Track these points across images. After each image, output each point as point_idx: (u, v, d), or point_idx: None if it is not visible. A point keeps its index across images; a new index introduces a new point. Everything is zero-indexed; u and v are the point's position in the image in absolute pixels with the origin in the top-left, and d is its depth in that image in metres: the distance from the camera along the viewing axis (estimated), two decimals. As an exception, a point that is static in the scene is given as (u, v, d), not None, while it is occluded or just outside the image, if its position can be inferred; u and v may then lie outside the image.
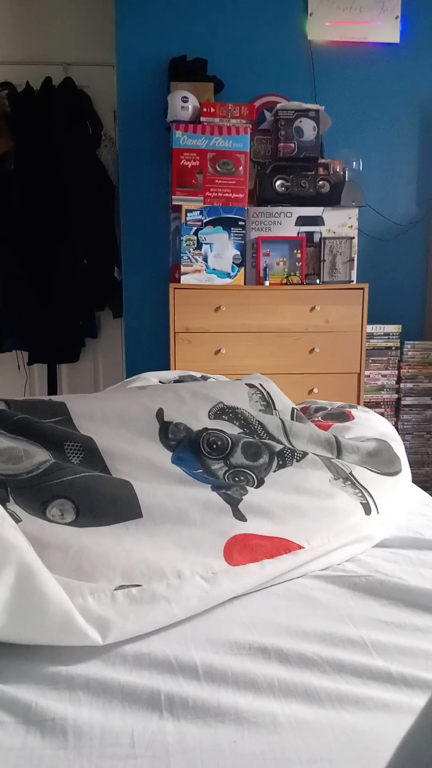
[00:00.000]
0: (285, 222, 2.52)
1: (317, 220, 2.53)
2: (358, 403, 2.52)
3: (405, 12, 2.80)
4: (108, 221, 3.02)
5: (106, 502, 0.96)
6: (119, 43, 2.73)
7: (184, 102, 2.44)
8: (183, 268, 2.42)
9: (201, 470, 1.10)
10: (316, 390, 2.51)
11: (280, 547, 0.96)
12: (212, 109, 2.45)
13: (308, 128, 2.52)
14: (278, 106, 2.55)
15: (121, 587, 0.82)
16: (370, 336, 2.71)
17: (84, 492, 0.97)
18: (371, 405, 2.73)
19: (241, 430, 1.21)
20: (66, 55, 3.03)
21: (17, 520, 0.90)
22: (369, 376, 2.73)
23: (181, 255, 2.42)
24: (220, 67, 2.72)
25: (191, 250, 2.41)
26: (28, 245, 2.92)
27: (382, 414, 2.62)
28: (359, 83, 2.85)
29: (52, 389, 3.17)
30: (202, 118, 2.44)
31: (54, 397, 1.19)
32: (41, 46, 3.04)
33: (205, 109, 2.45)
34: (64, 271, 2.94)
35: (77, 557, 0.86)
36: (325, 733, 0.63)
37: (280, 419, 1.27)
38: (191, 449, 1.13)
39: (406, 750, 0.37)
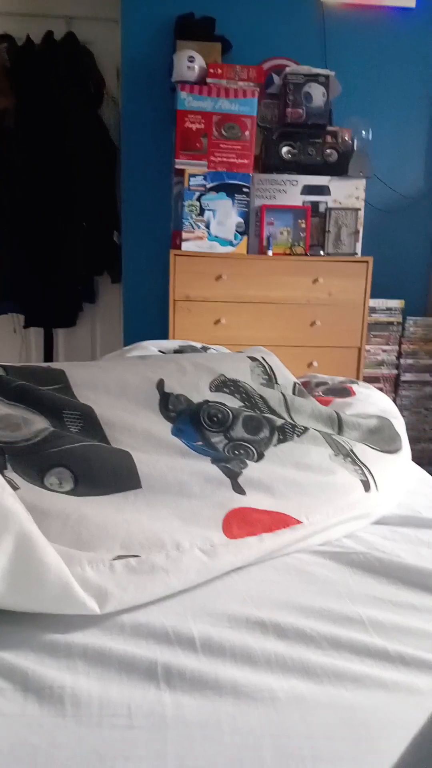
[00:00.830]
0: (290, 190, 2.47)
1: (323, 190, 2.48)
2: (358, 378, 2.51)
3: (422, -26, 2.70)
4: (109, 183, 2.95)
5: (105, 472, 0.96)
6: (125, -2, 2.63)
7: (190, 62, 2.36)
8: (184, 235, 2.38)
9: (201, 442, 1.09)
10: (315, 363, 2.49)
11: (279, 521, 0.95)
12: (219, 71, 2.37)
13: (317, 94, 2.45)
14: (287, 69, 2.48)
15: (120, 557, 0.82)
16: (372, 310, 2.69)
17: (83, 461, 0.96)
18: (370, 380, 2.72)
19: (242, 404, 1.20)
20: (69, 8, 2.91)
21: (15, 487, 0.89)
22: (369, 350, 2.71)
23: (183, 221, 2.37)
24: (229, 27, 2.63)
25: (193, 216, 2.36)
26: (27, 206, 2.86)
27: (381, 389, 2.61)
28: (372, 49, 2.76)
29: (48, 354, 3.15)
30: (209, 80, 2.37)
31: (53, 364, 1.17)
32: (43, -3, 2.92)
33: (211, 70, 2.37)
34: (63, 233, 2.88)
35: (76, 526, 0.85)
36: (323, 710, 0.63)
37: (282, 393, 1.26)
38: (191, 421, 1.12)
39: (420, 745, 0.36)
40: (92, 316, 3.21)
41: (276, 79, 2.59)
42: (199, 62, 2.38)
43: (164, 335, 2.49)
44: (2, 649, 0.70)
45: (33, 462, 0.94)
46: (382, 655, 0.71)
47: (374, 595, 0.84)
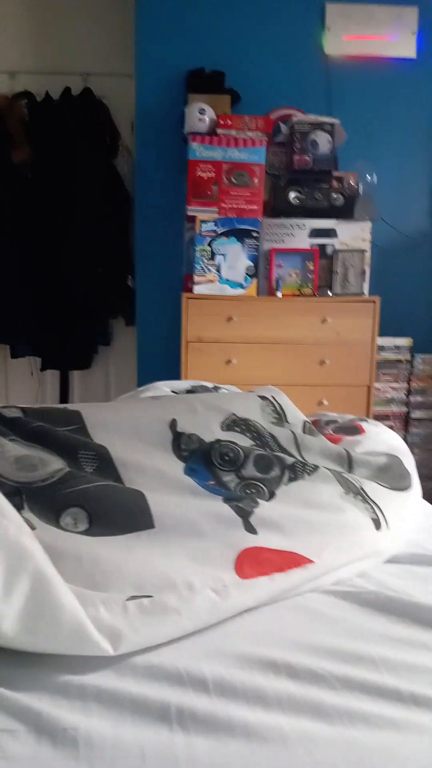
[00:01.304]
0: (298, 234, 2.53)
1: (330, 233, 2.54)
2: (368, 416, 2.52)
3: (422, 28, 2.81)
4: (122, 230, 3.04)
5: (119, 512, 0.97)
6: (138, 54, 2.76)
7: (201, 114, 2.46)
8: (196, 278, 2.44)
9: (213, 482, 1.11)
10: (325, 402, 2.51)
11: (291, 561, 0.96)
12: (229, 122, 2.47)
13: (323, 141, 2.54)
14: (294, 119, 2.57)
15: (133, 598, 0.83)
16: (381, 349, 2.71)
17: (97, 501, 0.98)
18: (380, 418, 2.72)
19: (253, 443, 1.22)
20: (85, 65, 3.06)
21: (32, 527, 0.91)
22: (379, 388, 2.73)
23: (195, 265, 2.43)
24: (238, 80, 2.75)
25: (205, 260, 2.43)
26: (43, 252, 2.95)
27: (390, 427, 2.61)
28: (375, 97, 2.86)
29: (64, 396, 3.19)
30: (219, 130, 2.47)
31: (69, 406, 1.20)
32: (61, 56, 3.08)
33: (221, 121, 2.47)
34: (78, 279, 2.96)
35: (90, 567, 0.86)
36: (334, 749, 0.63)
37: (292, 432, 1.28)
38: (203, 460, 1.13)
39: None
40: (107, 358, 3.27)
41: (283, 128, 2.69)
42: (210, 114, 2.48)
43: (177, 376, 2.53)
44: (16, 690, 0.71)
45: (49, 502, 0.96)
46: (393, 694, 0.71)
47: (386, 634, 0.84)
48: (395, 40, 2.81)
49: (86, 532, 0.94)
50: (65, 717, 0.67)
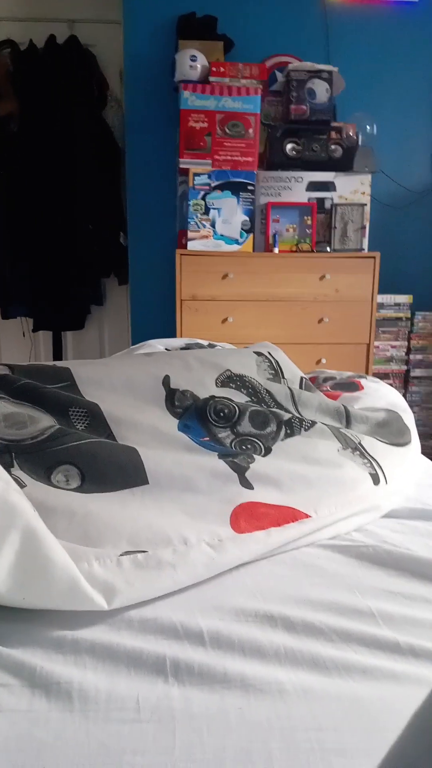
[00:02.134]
0: (295, 187, 2.46)
1: (328, 186, 2.47)
2: (367, 374, 2.49)
3: (424, -33, 2.68)
4: (114, 185, 2.96)
5: (112, 469, 0.95)
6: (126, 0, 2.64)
7: (192, 61, 2.36)
8: (190, 234, 2.38)
9: (208, 438, 1.09)
10: (324, 360, 2.48)
11: (287, 515, 0.95)
12: (222, 69, 2.37)
13: (321, 90, 2.44)
14: (290, 66, 2.47)
15: (127, 553, 0.81)
16: (381, 306, 2.67)
17: (89, 458, 0.96)
18: (380, 376, 2.70)
19: (249, 399, 1.19)
20: (71, 12, 2.93)
21: (22, 485, 0.89)
22: (378, 347, 2.70)
23: (189, 220, 2.37)
24: (231, 26, 2.63)
25: (199, 215, 2.36)
26: (33, 210, 2.87)
27: (390, 385, 2.59)
28: (374, 44, 2.75)
29: (58, 357, 3.16)
30: (211, 78, 2.37)
31: (58, 363, 1.17)
32: (45, 2, 2.94)
33: (214, 69, 2.37)
34: (69, 236, 2.89)
35: (83, 523, 0.85)
36: (332, 702, 0.63)
37: (289, 388, 1.25)
38: (198, 417, 1.11)
39: (419, 723, 0.36)
40: (100, 318, 3.22)
41: (279, 76, 2.59)
42: (202, 61, 2.38)
43: (172, 335, 2.50)
44: (10, 645, 0.70)
45: (40, 460, 0.94)
46: (392, 647, 0.70)
47: (384, 588, 0.83)
48: (396, -20, 2.68)
49: (78, 489, 0.92)
50: (59, 671, 0.66)
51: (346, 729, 0.59)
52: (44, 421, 1.00)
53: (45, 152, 2.83)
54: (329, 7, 2.70)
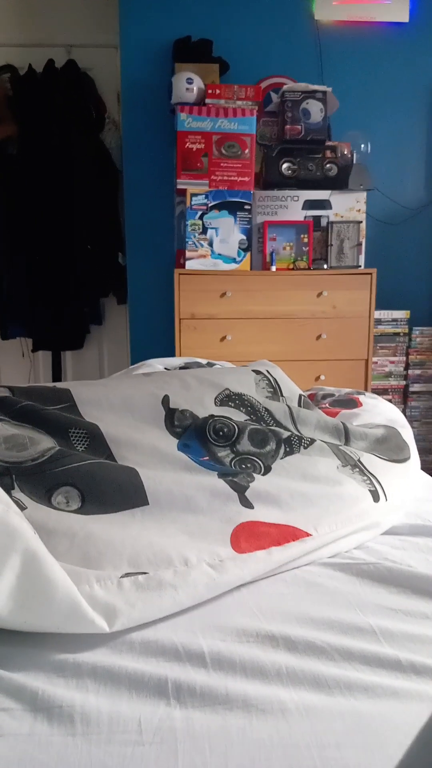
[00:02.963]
0: (291, 206, 2.49)
1: (324, 204, 2.50)
2: (366, 390, 2.50)
3: (414, -10, 2.74)
4: (112, 206, 2.99)
5: (112, 490, 0.96)
6: (123, 25, 2.69)
7: (188, 83, 2.40)
8: (188, 254, 2.40)
9: (207, 457, 1.09)
10: (323, 377, 2.49)
11: (288, 534, 0.95)
12: (217, 91, 2.41)
13: (315, 110, 2.48)
14: (285, 87, 2.51)
15: (128, 574, 0.82)
16: (378, 322, 2.69)
17: (89, 479, 0.96)
18: (379, 392, 2.71)
19: (248, 417, 1.20)
20: (69, 37, 2.98)
21: (22, 507, 0.90)
22: (377, 362, 2.71)
23: (186, 240, 2.39)
24: (226, 48, 2.68)
25: (196, 234, 2.39)
26: (32, 231, 2.90)
27: (389, 401, 2.60)
28: (367, 64, 2.80)
29: (57, 376, 3.17)
30: (208, 100, 2.41)
31: (58, 384, 1.18)
32: (44, 27, 2.99)
33: (210, 91, 2.41)
34: (68, 257, 2.92)
35: (83, 544, 0.85)
36: (334, 720, 0.63)
37: (287, 406, 1.26)
38: (197, 436, 1.12)
39: (424, 739, 0.36)
40: (99, 338, 3.24)
41: (274, 97, 2.63)
42: (198, 83, 2.42)
43: (171, 354, 2.51)
44: (11, 669, 0.70)
45: (40, 481, 0.95)
46: (393, 664, 0.70)
47: (385, 605, 0.83)
48: (387, 3, 2.74)
49: (79, 511, 0.92)
50: (61, 694, 0.66)
51: (348, 746, 0.59)
52: (44, 443, 1.00)
53: (44, 174, 2.86)
54: (322, 29, 2.76)
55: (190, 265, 2.40)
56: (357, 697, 0.66)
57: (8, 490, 0.92)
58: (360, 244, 2.52)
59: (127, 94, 2.73)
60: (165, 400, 1.16)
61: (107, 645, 0.74)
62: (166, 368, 1.57)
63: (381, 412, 1.44)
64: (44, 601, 0.72)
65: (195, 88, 2.41)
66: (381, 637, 0.76)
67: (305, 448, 1.15)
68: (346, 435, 1.25)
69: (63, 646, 0.74)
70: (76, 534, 0.87)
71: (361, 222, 2.51)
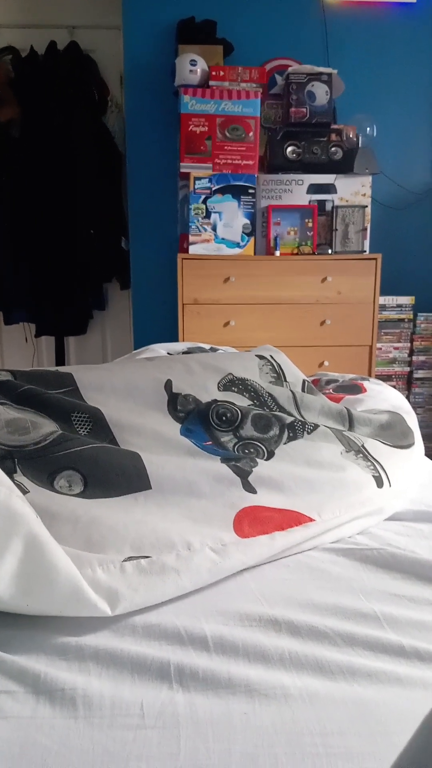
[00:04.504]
0: (296, 190, 2.46)
1: (329, 188, 2.47)
2: (370, 376, 2.49)
3: (423, -31, 2.69)
4: (115, 190, 2.96)
5: (115, 474, 0.95)
6: (126, 5, 2.65)
7: (192, 65, 2.37)
8: (191, 238, 2.38)
9: (210, 442, 1.08)
10: (327, 363, 2.48)
11: (291, 519, 0.94)
12: (221, 73, 2.38)
13: (320, 92, 2.44)
14: (290, 69, 2.48)
15: (131, 558, 0.81)
16: (383, 308, 2.67)
17: (92, 463, 0.96)
18: (383, 378, 2.70)
19: (251, 402, 1.19)
20: (71, 18, 2.94)
21: (25, 491, 0.89)
22: (381, 348, 2.69)
23: (190, 224, 2.37)
24: (230, 30, 2.64)
25: (200, 219, 2.36)
26: (34, 215, 2.88)
27: (393, 387, 2.59)
28: (373, 46, 2.75)
29: (60, 362, 3.16)
30: (211, 82, 2.37)
31: (61, 368, 1.17)
32: (46, 9, 2.95)
33: (214, 73, 2.38)
34: (70, 241, 2.90)
35: (86, 528, 0.85)
36: (337, 706, 0.62)
37: (291, 391, 1.25)
38: (200, 421, 1.11)
39: (429, 726, 0.36)
40: (102, 323, 3.23)
41: (278, 79, 2.59)
42: (201, 65, 2.39)
43: (174, 339, 2.50)
44: (14, 652, 0.70)
45: (42, 465, 0.94)
46: (397, 650, 0.70)
47: (388, 591, 0.82)
48: (395, -18, 2.68)
49: (81, 495, 0.92)
50: (63, 677, 0.66)
51: (351, 733, 0.59)
52: (47, 427, 1.00)
53: (46, 157, 2.83)
54: (328, 10, 2.71)
55: (193, 249, 2.38)
56: (360, 684, 0.65)
57: (10, 474, 0.91)
58: (365, 229, 2.49)
59: (130, 76, 2.70)
60: (168, 385, 1.15)
61: (110, 628, 0.74)
62: (169, 353, 1.56)
63: (385, 398, 1.43)
64: (47, 585, 0.72)
65: (199, 70, 2.37)
66: (385, 623, 0.75)
67: (309, 433, 1.14)
68: (350, 420, 1.24)
69: (66, 629, 0.73)
70: (79, 518, 0.86)
71: (367, 207, 2.48)
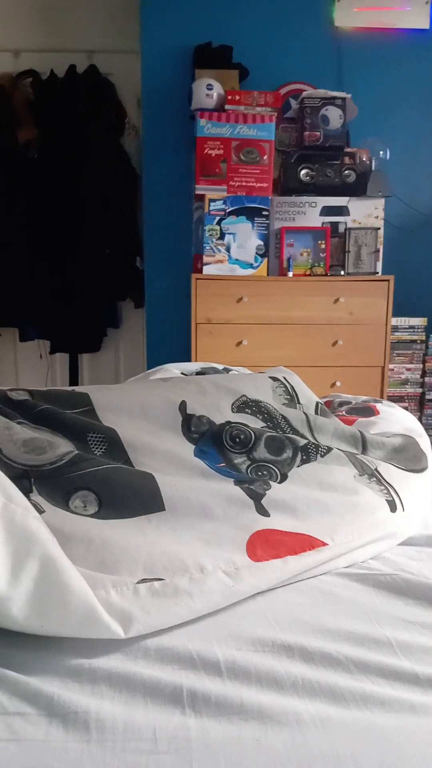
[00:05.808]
0: (309, 212, 2.49)
1: (342, 210, 2.49)
2: (382, 397, 2.49)
3: (436, -4, 2.73)
4: (131, 210, 3.01)
5: (129, 495, 0.96)
6: (144, 31, 2.71)
7: (208, 90, 2.41)
8: (205, 258, 2.41)
9: (224, 464, 1.09)
10: (338, 383, 2.48)
11: (304, 543, 0.94)
12: (237, 97, 2.42)
13: (334, 116, 2.48)
14: (304, 93, 2.52)
15: (144, 581, 0.82)
16: (395, 329, 2.67)
17: (107, 484, 0.96)
18: (395, 399, 2.69)
19: (265, 424, 1.20)
20: (90, 43, 3.01)
21: (40, 510, 0.90)
22: (393, 369, 2.69)
23: (204, 245, 2.40)
24: (246, 54, 2.69)
25: (214, 239, 2.39)
26: (51, 234, 2.93)
27: (405, 408, 2.58)
28: (387, 71, 2.79)
29: (74, 379, 3.19)
30: (227, 106, 2.42)
31: (77, 388, 1.18)
32: (65, 34, 3.03)
33: (229, 97, 2.42)
34: (86, 260, 2.94)
35: (100, 550, 0.85)
36: (350, 732, 0.62)
37: (304, 413, 1.25)
38: (214, 442, 1.12)
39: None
40: (116, 341, 3.25)
41: (293, 103, 2.63)
42: (218, 90, 2.43)
43: (187, 358, 2.51)
44: (27, 673, 0.70)
45: (58, 485, 0.95)
46: (410, 677, 0.69)
47: (402, 617, 0.82)
48: (408, 10, 2.73)
49: (96, 515, 0.92)
50: (76, 700, 0.66)
51: (364, 759, 0.58)
52: (63, 447, 1.01)
53: (63, 178, 2.89)
54: (341, 35, 2.75)
55: (207, 270, 2.41)
56: (373, 711, 0.65)
57: (27, 493, 0.92)
58: (378, 251, 2.50)
59: (148, 100, 2.75)
60: (182, 406, 1.16)
61: (122, 651, 0.74)
62: (182, 373, 1.57)
63: (398, 420, 1.43)
64: (61, 606, 0.72)
65: (215, 95, 2.41)
66: (398, 650, 0.75)
67: (322, 456, 1.14)
68: (364, 444, 1.24)
69: (79, 651, 0.74)
70: (93, 539, 0.87)
71: (379, 229, 2.50)
